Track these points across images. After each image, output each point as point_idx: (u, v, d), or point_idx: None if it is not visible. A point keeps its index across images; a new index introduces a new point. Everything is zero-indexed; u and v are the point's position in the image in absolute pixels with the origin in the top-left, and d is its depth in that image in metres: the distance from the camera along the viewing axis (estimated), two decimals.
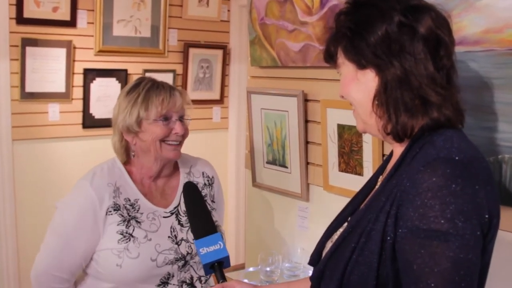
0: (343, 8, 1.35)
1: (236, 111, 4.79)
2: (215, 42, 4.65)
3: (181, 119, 1.98)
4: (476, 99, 1.78)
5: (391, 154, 1.46)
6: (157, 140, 1.94)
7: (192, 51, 4.50)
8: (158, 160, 1.98)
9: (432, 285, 1.10)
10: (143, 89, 1.95)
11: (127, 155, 2.02)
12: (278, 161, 2.67)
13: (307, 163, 2.53)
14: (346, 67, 1.34)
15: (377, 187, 1.39)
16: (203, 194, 2.08)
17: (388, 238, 1.18)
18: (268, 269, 2.46)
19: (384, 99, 1.26)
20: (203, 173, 2.14)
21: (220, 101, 4.75)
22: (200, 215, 1.67)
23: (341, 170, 2.35)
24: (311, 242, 2.60)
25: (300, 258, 2.53)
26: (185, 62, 4.47)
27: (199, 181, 2.11)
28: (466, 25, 1.83)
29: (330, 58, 1.40)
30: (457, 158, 1.16)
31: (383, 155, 2.18)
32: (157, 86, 1.97)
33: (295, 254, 2.56)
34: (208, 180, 2.14)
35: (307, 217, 2.59)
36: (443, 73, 1.27)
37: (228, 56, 4.73)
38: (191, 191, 1.78)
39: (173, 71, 4.40)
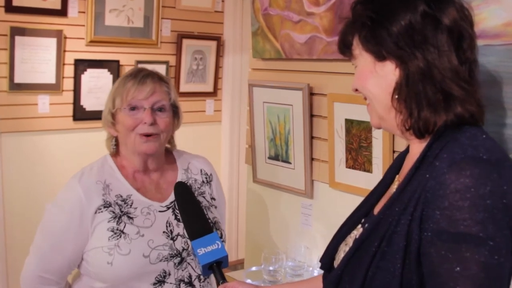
0: None
1: (229, 104, 4.70)
2: (209, 33, 4.55)
3: (157, 108, 1.86)
4: (495, 94, 1.72)
5: (406, 151, 1.40)
6: (128, 131, 1.84)
7: (186, 42, 4.40)
8: (135, 154, 1.89)
9: None
10: (119, 80, 1.89)
11: (113, 148, 1.95)
12: (281, 157, 2.58)
13: (312, 159, 2.46)
14: (363, 58, 1.27)
15: (395, 187, 1.33)
16: (202, 191, 2.01)
17: (413, 241, 1.12)
18: (271, 268, 2.38)
19: (405, 93, 1.20)
20: (201, 170, 2.05)
21: (214, 93, 4.66)
22: (194, 215, 1.60)
23: (348, 166, 2.28)
24: (315, 241, 2.54)
25: (304, 256, 2.45)
26: (178, 54, 4.37)
27: (197, 178, 2.03)
28: (485, 18, 1.76)
29: (346, 49, 1.34)
30: (484, 157, 1.10)
31: (394, 151, 2.11)
32: (130, 74, 1.88)
33: (299, 252, 2.48)
34: (206, 178, 2.05)
35: (310, 214, 2.51)
36: (466, 67, 1.21)
37: (222, 47, 4.64)
38: (183, 191, 1.69)
39: (166, 62, 4.31)
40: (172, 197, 1.92)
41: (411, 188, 1.18)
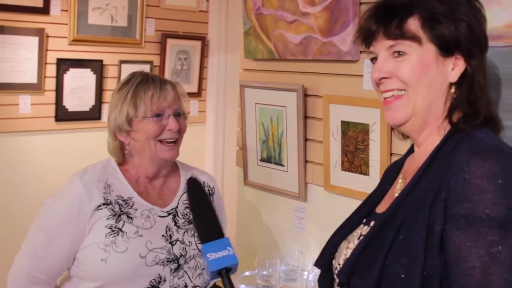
0: None
1: (214, 105, 4.64)
2: (193, 33, 4.48)
3: (176, 114, 1.86)
4: (497, 96, 1.70)
5: (408, 153, 1.41)
6: (151, 139, 1.82)
7: (170, 41, 4.32)
8: (153, 161, 1.86)
9: (491, 274, 1.05)
10: (132, 85, 1.85)
11: (122, 155, 1.91)
12: (274, 159, 2.54)
13: (306, 161, 2.42)
14: (424, 49, 1.23)
15: (398, 186, 1.34)
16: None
17: (436, 227, 1.12)
18: (265, 273, 2.34)
19: (467, 93, 1.24)
20: (204, 183, 2.02)
21: (198, 94, 4.59)
22: (206, 216, 1.50)
23: (344, 169, 2.24)
24: (309, 244, 2.50)
25: (297, 260, 2.41)
26: (162, 53, 4.30)
27: None
28: (487, 19, 1.74)
29: (398, 29, 1.24)
30: (502, 147, 1.15)
31: (392, 154, 2.08)
32: (146, 80, 1.86)
33: (292, 256, 2.44)
34: (208, 190, 2.03)
35: (304, 217, 2.47)
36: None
37: (207, 47, 4.57)
38: (197, 189, 1.60)
39: (150, 62, 4.22)
40: (173, 205, 1.89)
41: (427, 180, 1.19)
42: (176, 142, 1.87)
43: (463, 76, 1.24)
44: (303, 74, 2.39)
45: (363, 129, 2.13)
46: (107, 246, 1.73)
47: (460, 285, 1.08)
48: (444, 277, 1.12)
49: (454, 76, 1.23)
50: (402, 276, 1.13)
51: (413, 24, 1.22)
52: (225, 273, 1.42)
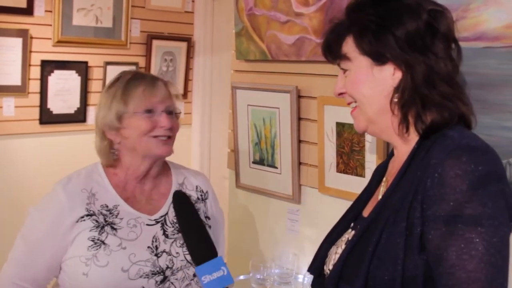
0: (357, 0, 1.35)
1: (200, 107, 4.60)
2: (179, 34, 4.44)
3: (168, 111, 1.80)
4: (496, 97, 1.71)
5: (390, 156, 1.46)
6: (142, 135, 1.76)
7: (156, 43, 4.28)
8: (146, 158, 1.80)
9: (471, 271, 1.09)
10: (122, 82, 1.80)
11: (112, 155, 1.84)
12: (267, 161, 2.51)
13: (300, 163, 2.39)
14: (358, 62, 1.31)
15: (382, 189, 1.38)
16: (196, 208, 1.89)
17: (415, 229, 1.16)
18: (259, 276, 2.31)
19: (409, 96, 1.25)
20: (196, 187, 1.96)
21: (184, 95, 4.54)
22: (197, 235, 1.48)
23: (339, 171, 2.22)
24: (302, 247, 2.48)
25: (292, 263, 2.39)
26: (148, 55, 4.25)
27: (192, 194, 1.92)
28: (485, 20, 1.75)
29: (336, 51, 1.36)
30: (477, 146, 1.17)
31: (388, 155, 2.06)
32: (137, 77, 1.82)
33: (286, 259, 2.42)
34: (201, 195, 1.95)
35: (298, 220, 2.45)
36: (454, 71, 1.29)
37: (192, 48, 4.54)
38: (184, 204, 1.56)
39: (136, 63, 4.17)
40: (162, 212, 1.83)
41: (406, 182, 1.23)
42: (169, 138, 1.80)
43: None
44: (297, 75, 2.36)
45: None
46: (88, 259, 1.68)
47: (443, 283, 1.12)
48: (427, 276, 1.16)
49: (395, 80, 1.27)
50: (387, 278, 1.17)
51: (348, 43, 1.32)
52: None
